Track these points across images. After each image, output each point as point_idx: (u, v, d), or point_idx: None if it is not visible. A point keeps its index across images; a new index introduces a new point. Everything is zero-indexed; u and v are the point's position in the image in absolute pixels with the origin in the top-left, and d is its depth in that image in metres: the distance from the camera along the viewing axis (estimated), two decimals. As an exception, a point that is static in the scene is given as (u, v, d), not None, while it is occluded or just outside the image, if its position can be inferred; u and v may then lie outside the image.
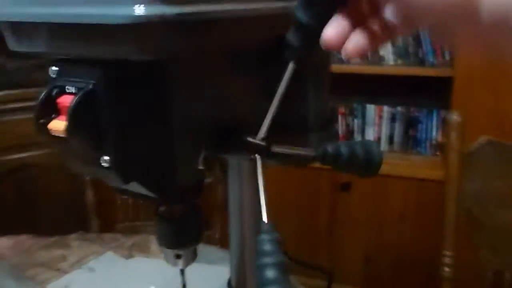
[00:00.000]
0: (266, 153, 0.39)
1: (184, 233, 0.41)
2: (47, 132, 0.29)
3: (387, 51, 1.72)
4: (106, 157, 0.30)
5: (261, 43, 0.37)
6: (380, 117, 1.80)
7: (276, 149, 0.41)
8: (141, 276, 0.94)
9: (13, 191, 1.65)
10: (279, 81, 0.42)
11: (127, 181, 0.31)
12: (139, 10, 0.24)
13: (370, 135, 1.81)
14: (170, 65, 0.30)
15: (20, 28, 0.29)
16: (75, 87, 0.29)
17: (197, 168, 0.37)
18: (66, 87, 0.29)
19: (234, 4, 0.30)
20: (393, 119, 1.78)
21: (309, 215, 1.87)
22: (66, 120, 0.28)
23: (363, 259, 1.83)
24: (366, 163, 0.46)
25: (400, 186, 1.71)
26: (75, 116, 0.28)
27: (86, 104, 0.28)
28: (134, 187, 0.34)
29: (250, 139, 0.38)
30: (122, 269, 0.95)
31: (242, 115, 0.41)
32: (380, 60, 1.74)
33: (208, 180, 0.43)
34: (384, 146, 1.81)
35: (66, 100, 0.29)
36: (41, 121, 0.29)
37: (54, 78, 0.30)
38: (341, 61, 1.79)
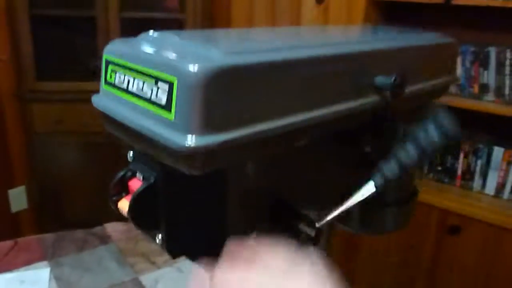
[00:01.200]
0: (313, 243, 0.40)
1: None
2: (116, 209, 0.35)
3: (529, 92, 1.54)
4: (160, 236, 0.35)
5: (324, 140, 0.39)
6: (508, 162, 1.62)
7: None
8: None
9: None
10: (341, 175, 0.43)
11: (175, 257, 0.36)
12: (190, 141, 0.28)
13: (493, 180, 1.65)
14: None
15: (107, 117, 0.35)
16: (142, 175, 0.34)
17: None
18: (137, 173, 0.35)
19: (280, 120, 0.32)
20: (523, 167, 1.60)
21: (409, 254, 1.78)
22: (128, 207, 0.33)
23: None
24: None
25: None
26: (136, 205, 0.33)
27: (146, 195, 0.33)
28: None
29: (301, 226, 0.40)
30: (206, 275, 1.03)
31: (299, 200, 0.42)
32: (519, 101, 1.57)
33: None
34: (507, 194, 1.63)
35: (134, 185, 0.34)
36: (114, 198, 0.35)
37: (130, 161, 0.36)
38: (472, 97, 1.65)
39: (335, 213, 0.40)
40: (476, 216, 1.60)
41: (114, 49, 0.35)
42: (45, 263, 1.05)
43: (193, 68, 0.27)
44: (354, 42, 0.43)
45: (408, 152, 0.36)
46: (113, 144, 2.24)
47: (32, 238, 1.16)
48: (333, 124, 0.37)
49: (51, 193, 2.17)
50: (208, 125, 0.28)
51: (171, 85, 0.28)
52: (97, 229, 1.21)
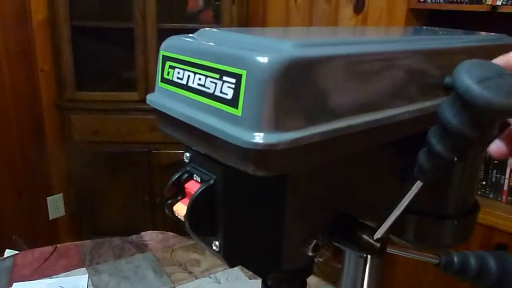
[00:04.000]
0: (378, 255, 0.37)
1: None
2: (172, 212, 0.33)
3: None
4: (217, 242, 0.32)
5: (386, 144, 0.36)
6: (560, 177, 1.53)
7: (392, 251, 0.39)
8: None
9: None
10: (403, 178, 0.39)
11: (232, 265, 0.34)
12: (259, 138, 0.25)
13: (543, 196, 1.56)
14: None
15: (163, 116, 0.33)
16: (200, 177, 0.32)
17: (306, 254, 0.38)
18: (194, 174, 0.33)
19: (352, 119, 0.29)
20: None
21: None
22: (186, 209, 0.31)
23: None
24: (500, 281, 0.40)
25: None
26: (195, 208, 0.31)
27: (205, 198, 0.31)
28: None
29: (365, 237, 0.37)
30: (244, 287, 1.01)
31: (360, 208, 0.39)
32: None
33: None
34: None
35: (191, 187, 0.33)
36: (169, 201, 0.33)
37: (186, 162, 0.34)
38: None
39: (391, 219, 0.37)
40: (525, 234, 1.51)
41: (173, 45, 0.34)
42: (83, 269, 1.05)
43: (264, 59, 0.25)
44: (423, 39, 0.40)
45: (436, 134, 0.30)
46: (148, 153, 2.26)
47: (71, 245, 1.17)
48: (404, 126, 0.34)
49: (88, 201, 2.20)
50: (279, 121, 0.26)
51: (238, 78, 0.26)
52: (134, 237, 1.21)
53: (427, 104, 0.35)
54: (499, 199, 1.66)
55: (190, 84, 0.31)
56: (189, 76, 0.31)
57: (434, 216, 0.50)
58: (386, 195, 0.41)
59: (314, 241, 0.37)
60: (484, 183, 1.68)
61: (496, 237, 1.58)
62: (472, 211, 0.53)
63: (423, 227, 0.52)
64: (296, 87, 0.26)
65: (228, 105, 0.27)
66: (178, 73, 0.32)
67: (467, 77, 0.24)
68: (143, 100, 2.15)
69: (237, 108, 0.27)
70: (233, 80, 0.27)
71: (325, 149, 0.28)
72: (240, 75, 0.26)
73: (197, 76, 0.30)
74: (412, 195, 0.33)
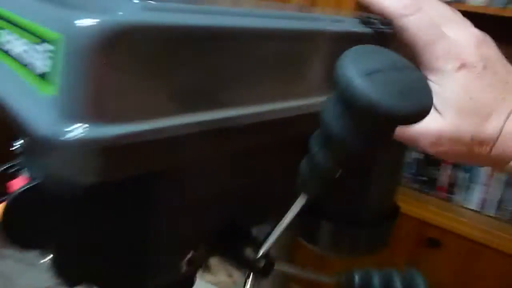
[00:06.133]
0: (262, 275, 0.31)
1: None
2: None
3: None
4: (48, 257, 0.25)
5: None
6: (492, 176, 1.56)
7: (284, 269, 0.33)
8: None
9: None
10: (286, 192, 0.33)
11: (71, 285, 0.27)
12: (76, 130, 0.18)
13: (476, 195, 1.59)
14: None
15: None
16: (31, 173, 0.25)
17: (179, 270, 0.31)
18: (24, 169, 0.25)
19: (211, 112, 0.22)
20: (509, 183, 1.54)
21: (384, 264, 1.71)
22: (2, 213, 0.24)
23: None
24: None
25: (499, 262, 1.48)
26: (11, 212, 0.23)
27: (29, 200, 0.24)
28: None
29: (247, 252, 0.31)
30: None
31: (241, 217, 0.33)
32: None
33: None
34: (491, 211, 1.58)
35: (17, 185, 0.25)
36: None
37: (17, 154, 0.26)
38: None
39: (274, 235, 0.30)
40: (457, 230, 1.53)
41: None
42: (-17, 253, 0.95)
43: (87, 22, 0.18)
44: (308, 18, 0.32)
45: (317, 140, 0.23)
46: None
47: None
48: (281, 126, 0.27)
49: None
50: (105, 109, 0.19)
51: (55, 46, 0.19)
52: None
53: (310, 101, 0.28)
54: (434, 195, 1.68)
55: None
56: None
57: (347, 222, 0.45)
58: (283, 199, 0.34)
59: (191, 252, 0.31)
60: (419, 178, 1.69)
61: (429, 232, 1.60)
62: (390, 217, 0.48)
63: (336, 234, 0.47)
64: (130, 64, 0.19)
65: (40, 79, 0.20)
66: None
67: (352, 67, 0.18)
68: None
69: (50, 85, 0.19)
70: (49, 47, 0.19)
71: (172, 149, 0.22)
72: (56, 42, 0.19)
73: (8, 36, 0.22)
74: (297, 211, 0.27)
